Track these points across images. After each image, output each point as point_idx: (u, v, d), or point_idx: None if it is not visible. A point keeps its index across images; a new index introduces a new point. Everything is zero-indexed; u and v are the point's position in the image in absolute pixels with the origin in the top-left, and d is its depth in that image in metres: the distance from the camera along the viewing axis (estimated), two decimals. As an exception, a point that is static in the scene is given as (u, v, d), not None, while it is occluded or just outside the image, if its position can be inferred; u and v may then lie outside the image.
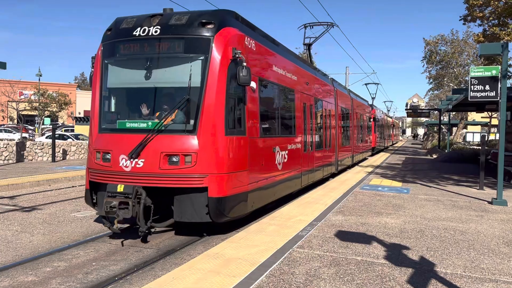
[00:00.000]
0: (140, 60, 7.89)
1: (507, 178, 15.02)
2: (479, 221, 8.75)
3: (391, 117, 61.29)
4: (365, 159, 27.82)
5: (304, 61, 14.65)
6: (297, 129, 11.86)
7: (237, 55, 7.61)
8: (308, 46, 20.69)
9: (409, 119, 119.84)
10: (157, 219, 7.67)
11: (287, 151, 10.70)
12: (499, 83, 10.98)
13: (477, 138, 49.77)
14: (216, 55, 7.48)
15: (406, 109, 40.89)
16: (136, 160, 7.25)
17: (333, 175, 17.21)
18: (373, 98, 42.23)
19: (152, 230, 8.02)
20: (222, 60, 7.53)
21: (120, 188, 7.19)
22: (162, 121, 7.34)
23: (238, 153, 7.88)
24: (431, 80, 45.04)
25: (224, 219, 7.61)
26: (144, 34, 7.77)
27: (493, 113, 42.19)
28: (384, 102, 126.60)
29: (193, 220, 7.43)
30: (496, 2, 21.67)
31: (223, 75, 7.53)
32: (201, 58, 7.52)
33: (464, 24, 26.25)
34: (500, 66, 11.25)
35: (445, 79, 42.58)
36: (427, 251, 6.43)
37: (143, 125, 7.47)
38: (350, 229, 7.71)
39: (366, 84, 43.65)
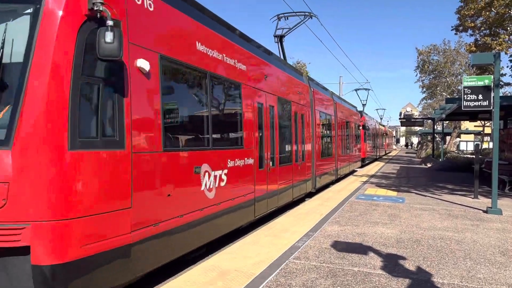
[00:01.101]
0: None
1: (501, 186, 15.07)
2: (475, 230, 8.76)
3: (384, 126, 58.64)
4: (353, 171, 24.87)
5: (260, 47, 10.36)
6: (246, 138, 8.60)
7: (97, 8, 4.46)
8: (280, 38, 16.87)
9: (403, 128, 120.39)
10: None
11: (226, 170, 7.49)
12: (492, 93, 11.08)
13: (471, 147, 50.05)
14: (53, 6, 4.32)
15: (400, 118, 41.00)
16: None
17: (310, 194, 14.09)
18: (363, 105, 39.58)
19: None
20: (66, 16, 4.34)
21: None
22: None
23: (104, 180, 4.59)
24: (424, 89, 45.47)
25: None
26: None
27: (486, 122, 42.55)
28: (377, 110, 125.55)
29: None
30: (487, 13, 21.97)
31: (68, 42, 4.35)
32: (26, 11, 4.42)
33: (456, 34, 26.68)
34: (492, 76, 11.36)
35: (438, 88, 42.97)
36: (423, 261, 6.41)
37: None
38: (346, 239, 7.69)
39: (356, 90, 41.39)
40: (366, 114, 35.11)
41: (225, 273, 5.67)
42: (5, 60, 4.30)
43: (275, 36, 16.94)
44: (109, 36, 4.36)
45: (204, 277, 5.52)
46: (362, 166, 29.08)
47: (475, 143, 27.07)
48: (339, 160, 19.62)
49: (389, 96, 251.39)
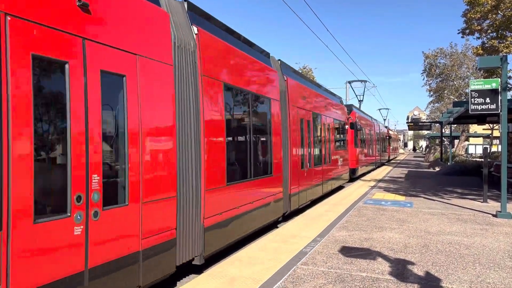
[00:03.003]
0: None
1: (510, 190, 14.95)
2: (484, 234, 8.69)
3: (386, 127, 50.35)
4: (339, 188, 17.94)
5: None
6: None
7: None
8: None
9: (411, 132, 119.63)
10: None
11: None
12: (499, 96, 11.02)
13: (479, 150, 49.66)
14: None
15: (407, 122, 40.81)
16: None
17: (276, 223, 10.60)
18: (360, 101, 34.04)
19: None
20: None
21: None
22: None
23: None
24: (431, 93, 45.22)
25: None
26: None
27: (494, 125, 42.21)
28: (379, 109, 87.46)
29: None
30: (494, 15, 21.89)
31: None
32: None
33: (462, 37, 26.58)
34: (500, 79, 11.31)
35: (445, 91, 42.73)
36: (432, 266, 6.38)
37: None
38: (354, 245, 7.66)
39: (349, 82, 34.55)
40: (360, 111, 28.17)
41: (232, 280, 5.68)
42: None
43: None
44: None
45: (212, 283, 5.53)
46: (352, 180, 21.44)
47: (484, 146, 26.84)
48: (301, 177, 12.17)
49: (396, 101, 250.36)
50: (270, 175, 9.65)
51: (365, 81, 33.20)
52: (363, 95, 33.53)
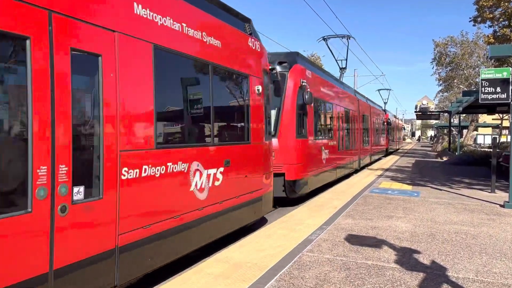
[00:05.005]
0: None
1: (519, 180, 14.82)
2: (491, 224, 8.65)
3: (385, 110, 37.40)
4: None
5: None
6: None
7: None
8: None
9: (419, 122, 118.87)
10: None
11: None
12: (510, 85, 10.87)
13: (488, 141, 49.23)
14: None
15: (415, 111, 40.38)
16: None
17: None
18: (342, 69, 24.53)
19: None
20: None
21: None
22: None
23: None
24: (440, 82, 44.79)
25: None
26: None
27: (504, 115, 41.78)
28: (379, 90, 49.35)
29: None
30: (506, 3, 21.51)
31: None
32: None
33: (474, 25, 26.17)
34: (511, 68, 11.14)
35: (455, 80, 42.31)
36: (438, 255, 6.36)
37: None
38: (360, 233, 7.66)
39: (378, 91, 35.23)
40: (338, 81, 28.59)
41: (238, 265, 5.71)
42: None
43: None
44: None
45: (217, 268, 5.57)
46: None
47: (493, 136, 26.58)
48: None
49: (404, 90, 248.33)
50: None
51: (390, 90, 35.47)
52: (347, 61, 26.04)
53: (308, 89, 11.07)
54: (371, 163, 25.73)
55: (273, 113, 10.24)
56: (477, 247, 6.91)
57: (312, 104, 11.80)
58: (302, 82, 10.94)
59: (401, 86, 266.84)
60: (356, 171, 19.95)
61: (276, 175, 9.54)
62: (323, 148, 13.39)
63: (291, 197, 10.79)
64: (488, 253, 6.58)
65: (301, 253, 6.32)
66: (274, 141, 9.67)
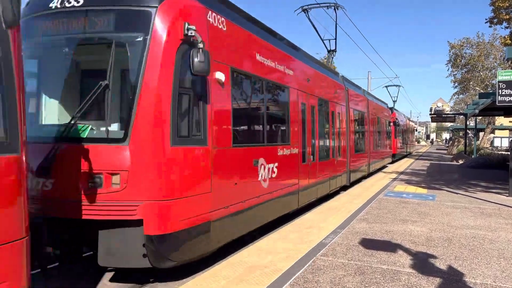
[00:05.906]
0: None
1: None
2: (509, 229, 8.49)
3: (392, 108, 31.48)
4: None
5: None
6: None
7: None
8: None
9: (434, 124, 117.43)
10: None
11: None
12: (528, 87, 10.69)
13: (505, 143, 48.46)
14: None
15: (430, 114, 39.86)
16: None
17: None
18: (330, 51, 18.96)
19: None
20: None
21: None
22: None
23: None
24: (456, 84, 44.22)
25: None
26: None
27: (522, 118, 41.05)
28: (386, 86, 39.38)
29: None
30: (523, 4, 21.18)
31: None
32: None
33: (490, 26, 25.90)
34: (529, 70, 10.96)
35: (471, 82, 41.70)
36: (455, 260, 6.27)
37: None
38: (374, 237, 7.59)
39: (386, 87, 34.18)
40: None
41: (252, 269, 5.70)
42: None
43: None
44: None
45: (231, 272, 5.57)
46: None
47: (510, 139, 26.14)
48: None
49: (419, 92, 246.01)
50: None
51: (399, 86, 35.95)
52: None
53: (208, 46, 5.88)
54: (370, 174, 19.84)
55: (122, 96, 5.84)
56: (495, 252, 6.79)
57: (229, 79, 6.66)
58: (189, 30, 5.50)
59: (415, 88, 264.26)
60: (341, 189, 14.33)
61: (122, 223, 5.23)
62: (261, 162, 7.84)
63: (160, 267, 5.58)
64: (506, 258, 6.45)
65: (315, 257, 6.29)
66: (115, 150, 5.28)
